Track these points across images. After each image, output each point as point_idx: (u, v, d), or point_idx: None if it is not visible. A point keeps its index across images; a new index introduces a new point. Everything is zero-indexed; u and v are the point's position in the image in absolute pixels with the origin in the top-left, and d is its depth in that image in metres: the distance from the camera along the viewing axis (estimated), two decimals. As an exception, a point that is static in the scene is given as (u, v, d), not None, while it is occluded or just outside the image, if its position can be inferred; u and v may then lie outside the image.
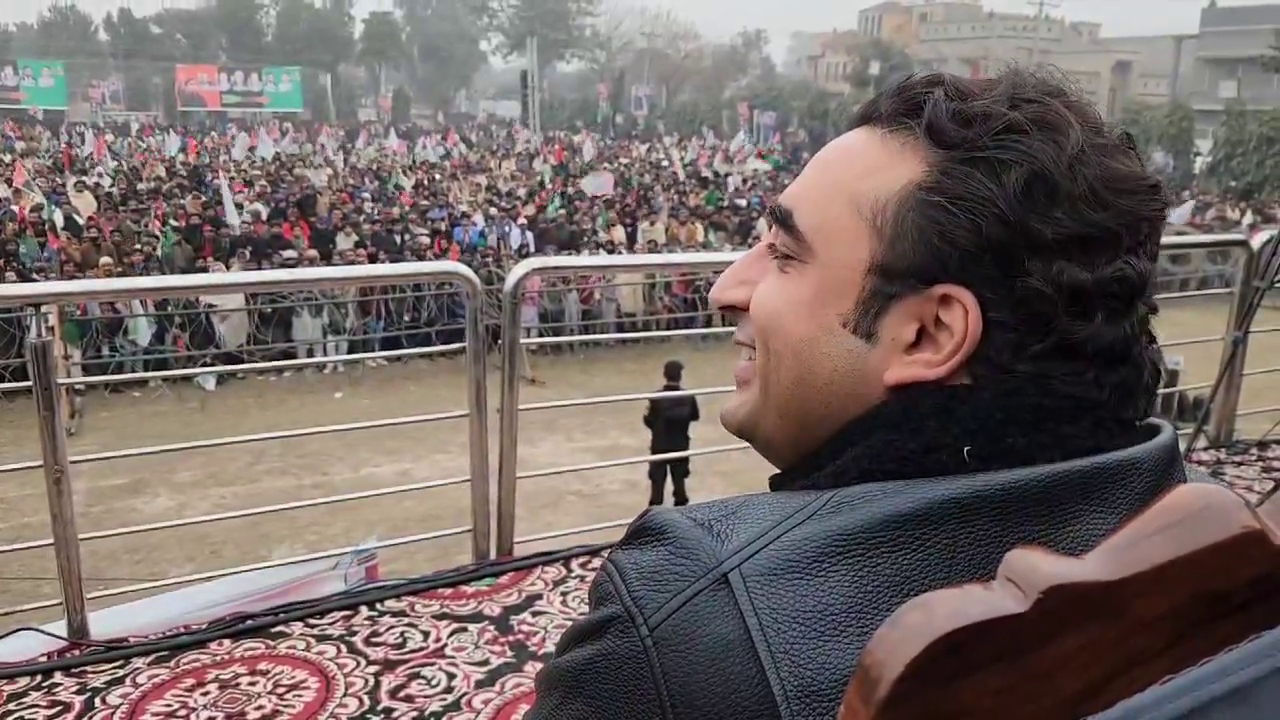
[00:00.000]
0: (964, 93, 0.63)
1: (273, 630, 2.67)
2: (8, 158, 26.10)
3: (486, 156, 31.08)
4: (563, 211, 18.64)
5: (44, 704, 2.32)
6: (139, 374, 11.62)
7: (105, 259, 13.11)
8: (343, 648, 2.59)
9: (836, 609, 0.53)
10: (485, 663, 2.53)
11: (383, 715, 2.30)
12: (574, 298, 14.33)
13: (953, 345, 0.61)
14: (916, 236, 0.61)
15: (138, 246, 14.19)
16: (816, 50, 68.52)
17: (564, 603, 2.85)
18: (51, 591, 2.75)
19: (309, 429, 7.48)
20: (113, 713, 2.29)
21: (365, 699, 2.36)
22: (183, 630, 2.67)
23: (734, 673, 0.53)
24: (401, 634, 2.66)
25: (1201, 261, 15.83)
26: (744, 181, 25.52)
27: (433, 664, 2.52)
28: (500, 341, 3.08)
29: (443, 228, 16.78)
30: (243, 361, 12.02)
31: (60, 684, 2.41)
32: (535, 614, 2.78)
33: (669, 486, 8.00)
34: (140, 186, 20.66)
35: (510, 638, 2.65)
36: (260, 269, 12.50)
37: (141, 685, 2.41)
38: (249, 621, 2.69)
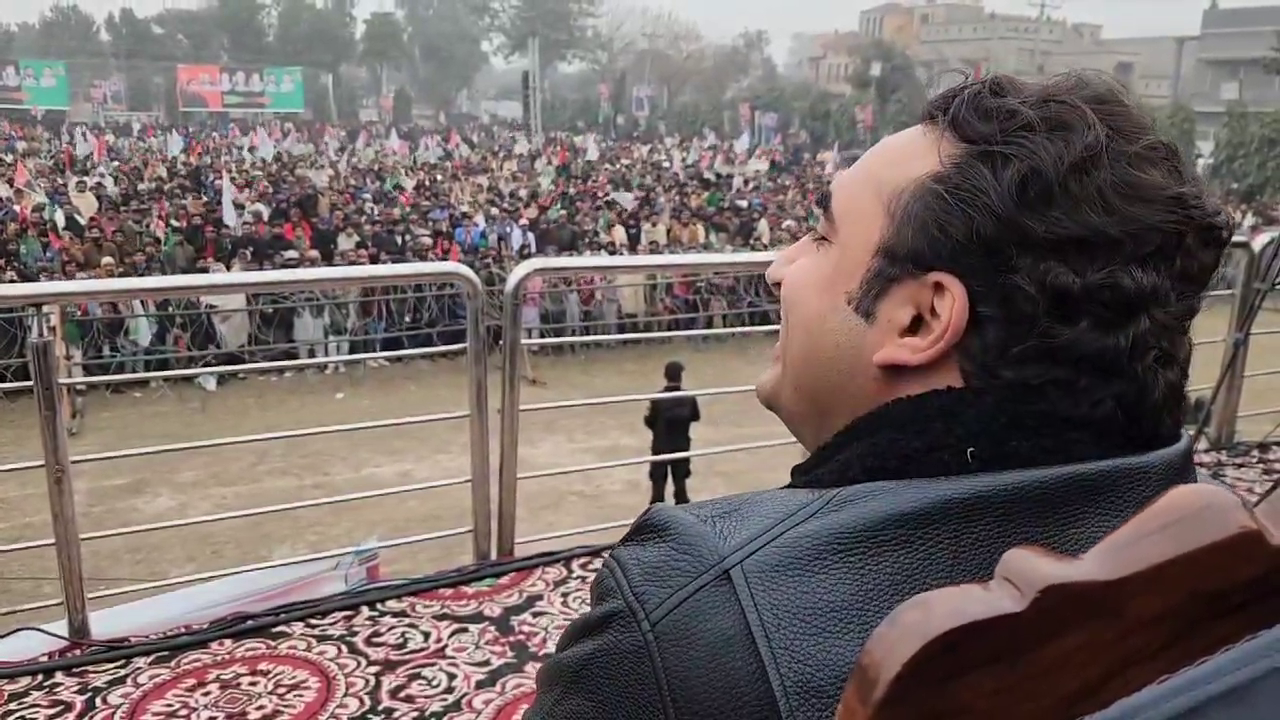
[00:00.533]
0: (1000, 91, 0.64)
1: (274, 630, 2.67)
2: (9, 158, 26.12)
3: (488, 157, 31.08)
4: (564, 212, 18.65)
5: (45, 703, 2.33)
6: (140, 374, 11.63)
7: (107, 259, 13.12)
8: (343, 648, 2.59)
9: (837, 606, 0.54)
10: (486, 663, 2.53)
11: (383, 715, 2.30)
12: (575, 298, 14.33)
13: (937, 333, 0.62)
14: (918, 223, 0.63)
15: (139, 247, 14.20)
16: (818, 51, 68.54)
17: (565, 603, 2.85)
18: (52, 591, 2.75)
19: (310, 429, 7.48)
20: (114, 712, 2.30)
21: (366, 699, 2.36)
22: (184, 630, 2.68)
23: (734, 668, 0.53)
24: (402, 634, 2.66)
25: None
26: (745, 183, 25.52)
27: (433, 664, 2.52)
28: (501, 342, 3.08)
29: (444, 228, 16.78)
30: (244, 362, 12.04)
31: (61, 683, 2.41)
32: (536, 614, 2.78)
33: (670, 487, 8.00)
34: (141, 187, 20.68)
35: (511, 638, 2.65)
36: (261, 269, 12.51)
37: (142, 685, 2.41)
38: (250, 621, 2.70)
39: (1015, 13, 60.57)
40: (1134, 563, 0.40)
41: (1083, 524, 0.57)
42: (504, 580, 2.98)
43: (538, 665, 2.49)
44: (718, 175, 26.78)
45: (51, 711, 2.30)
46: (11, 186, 19.07)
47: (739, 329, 13.73)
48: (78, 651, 2.58)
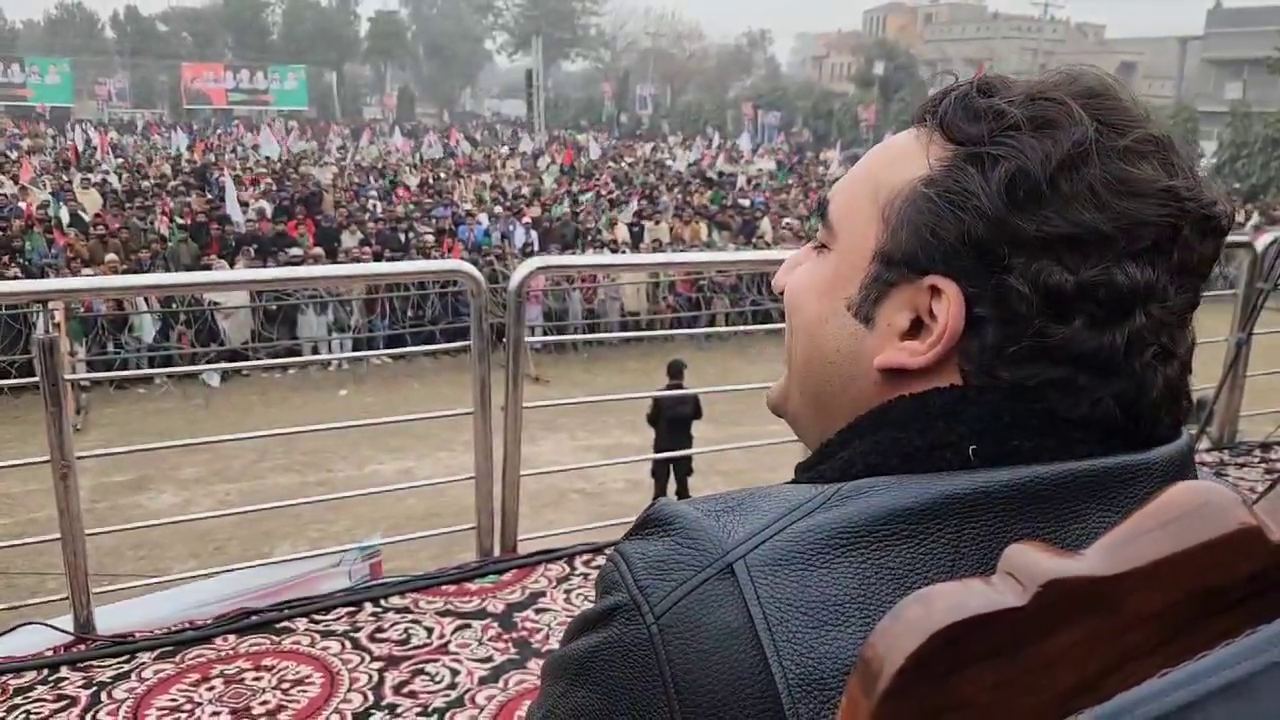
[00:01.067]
0: (988, 91, 0.64)
1: (277, 626, 2.68)
2: (13, 155, 26.15)
3: (491, 155, 31.09)
4: (568, 211, 18.65)
5: (50, 698, 2.34)
6: (144, 370, 11.64)
7: (110, 256, 13.13)
8: (347, 644, 2.60)
9: (840, 600, 0.54)
10: (489, 659, 2.54)
11: (386, 711, 2.31)
12: (578, 296, 14.33)
13: (935, 336, 0.62)
14: (912, 227, 0.63)
15: (144, 244, 14.22)
16: (821, 50, 68.49)
17: (567, 600, 2.86)
18: (57, 586, 2.76)
19: (313, 426, 7.50)
20: (118, 707, 2.30)
21: (369, 695, 2.37)
22: (188, 625, 2.68)
23: (737, 661, 0.54)
24: (405, 630, 2.67)
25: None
26: (748, 181, 25.50)
27: (436, 660, 2.53)
28: (504, 340, 3.08)
29: (447, 226, 16.78)
30: (247, 359, 12.06)
31: (66, 678, 2.42)
32: (539, 611, 2.79)
33: (672, 485, 8.00)
34: (145, 184, 20.70)
35: (514, 634, 2.66)
36: (265, 266, 12.53)
37: (147, 680, 2.42)
38: (254, 617, 2.70)
39: (1018, 12, 60.49)
40: (1134, 558, 0.40)
41: (1084, 520, 0.58)
42: (507, 577, 2.98)
43: (540, 661, 2.49)
44: (720, 174, 26.76)
45: (57, 706, 2.30)
46: (16, 184, 19.09)
47: (741, 328, 13.73)
48: (83, 646, 2.58)
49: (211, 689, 2.39)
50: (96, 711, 2.29)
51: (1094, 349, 0.59)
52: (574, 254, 14.87)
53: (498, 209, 18.30)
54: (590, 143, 34.64)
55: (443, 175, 24.11)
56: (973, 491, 0.57)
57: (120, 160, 25.95)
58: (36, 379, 2.53)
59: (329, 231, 15.96)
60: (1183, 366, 0.63)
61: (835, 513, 0.57)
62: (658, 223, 17.98)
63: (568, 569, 3.04)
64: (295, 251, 14.12)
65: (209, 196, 18.51)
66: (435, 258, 14.07)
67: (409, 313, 13.54)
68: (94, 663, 2.48)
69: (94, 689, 2.37)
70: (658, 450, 7.73)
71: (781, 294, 0.75)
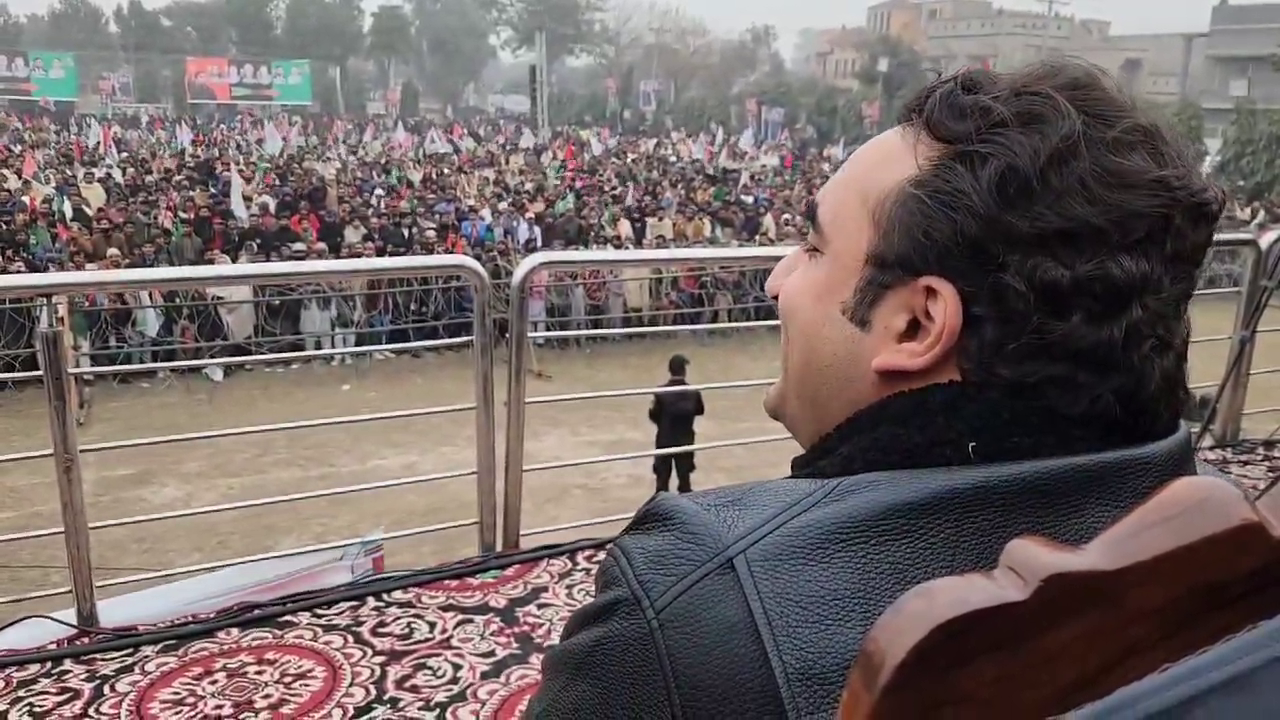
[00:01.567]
0: (973, 87, 0.64)
1: (280, 620, 2.68)
2: (17, 149, 26.18)
3: (495, 151, 31.08)
4: (571, 207, 18.65)
5: (54, 690, 2.34)
6: (147, 365, 11.67)
7: (113, 250, 13.15)
8: (349, 638, 2.61)
9: (839, 594, 0.54)
10: (491, 654, 2.54)
11: (389, 705, 2.32)
12: (580, 292, 14.34)
13: (933, 337, 0.62)
14: (903, 229, 0.63)
15: (148, 238, 14.24)
16: (825, 47, 68.44)
17: (569, 595, 2.86)
18: (61, 580, 2.77)
19: (316, 421, 7.50)
20: (121, 700, 2.31)
21: (372, 689, 2.38)
22: (191, 619, 2.69)
23: (738, 655, 0.54)
24: (408, 625, 2.67)
25: (1209, 260, 15.73)
26: (751, 178, 25.49)
27: (439, 655, 2.53)
28: (507, 335, 3.08)
29: (451, 222, 16.80)
30: (250, 353, 12.07)
31: (70, 671, 2.43)
32: (541, 606, 2.79)
33: (674, 481, 8.01)
34: (149, 178, 20.72)
35: (516, 629, 2.66)
36: (269, 261, 12.54)
37: (150, 673, 2.42)
38: (256, 611, 2.71)
39: (1023, 8, 60.41)
40: (1136, 553, 0.40)
41: (1083, 515, 0.58)
42: (509, 572, 2.99)
43: (542, 656, 2.50)
44: (724, 170, 26.75)
45: (60, 699, 2.31)
46: (20, 178, 19.13)
47: (744, 324, 13.73)
48: (86, 640, 2.59)
49: (214, 682, 2.39)
50: (99, 704, 2.29)
51: (1093, 344, 0.59)
52: (577, 250, 14.87)
53: (501, 205, 18.31)
54: (592, 139, 34.63)
55: (446, 171, 24.12)
56: (972, 486, 0.57)
57: (124, 155, 25.97)
58: (40, 373, 2.54)
59: (332, 227, 15.98)
60: (1179, 357, 0.63)
61: (835, 508, 0.57)
62: (661, 219, 17.98)
63: (570, 564, 3.04)
64: (298, 246, 14.14)
65: (212, 191, 18.53)
66: (438, 253, 14.07)
67: (412, 308, 13.55)
68: (97, 656, 2.49)
69: (97, 682, 2.38)
70: (660, 446, 7.74)
71: (776, 298, 0.74)
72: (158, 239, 14.40)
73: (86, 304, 11.44)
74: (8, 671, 2.40)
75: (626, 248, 15.52)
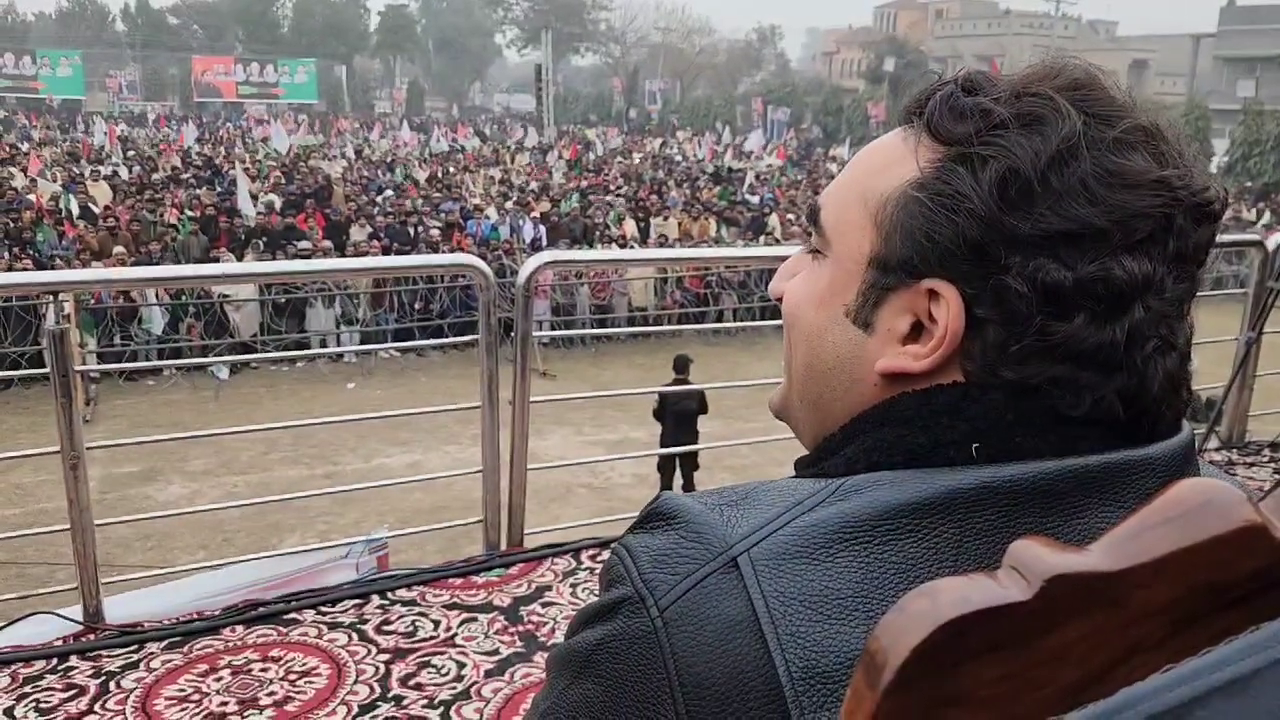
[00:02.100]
0: (973, 89, 0.64)
1: (285, 617, 2.69)
2: (24, 146, 26.25)
3: (500, 150, 31.10)
4: (577, 206, 18.66)
5: (60, 687, 2.35)
6: (153, 363, 11.69)
7: (119, 248, 13.18)
8: (354, 636, 2.61)
9: (843, 594, 0.55)
10: (495, 652, 2.55)
11: (393, 703, 2.32)
12: (586, 291, 14.35)
13: (936, 339, 0.62)
14: (905, 232, 0.63)
15: (154, 236, 14.27)
16: (831, 46, 68.30)
17: (573, 594, 2.87)
18: (67, 576, 2.78)
19: (321, 419, 7.52)
20: (127, 696, 2.32)
21: (376, 686, 2.38)
22: (196, 616, 2.70)
23: (741, 654, 0.54)
24: (412, 623, 2.68)
25: (1216, 261, 15.69)
26: (757, 178, 25.48)
27: (443, 653, 2.54)
28: (512, 334, 3.09)
29: (456, 220, 16.81)
30: (256, 351, 12.08)
31: (76, 667, 2.44)
32: (545, 605, 2.79)
33: (677, 480, 8.01)
34: (156, 176, 20.76)
35: (520, 628, 2.67)
36: (274, 260, 12.57)
37: (155, 670, 2.43)
38: (261, 609, 2.72)
39: (1030, 8, 60.27)
40: (1139, 554, 0.40)
41: (1087, 515, 0.58)
42: (513, 571, 2.99)
43: (546, 655, 2.50)
44: (729, 169, 26.73)
45: (66, 695, 2.32)
46: (26, 175, 19.18)
47: (749, 323, 13.72)
48: (92, 636, 2.60)
49: (219, 679, 2.40)
50: (105, 700, 2.30)
51: (1096, 345, 0.59)
52: (582, 249, 14.88)
53: (507, 204, 18.32)
54: (595, 139, 34.63)
55: (452, 170, 24.13)
56: (976, 487, 0.57)
57: (131, 153, 26.02)
58: (47, 370, 2.55)
59: (338, 225, 16.00)
60: (1182, 357, 0.63)
61: (839, 507, 0.57)
62: (666, 218, 17.98)
63: (574, 563, 3.05)
64: (304, 245, 14.16)
65: (219, 189, 18.57)
66: (444, 252, 14.08)
67: (417, 307, 13.57)
68: (103, 652, 2.50)
69: (103, 678, 2.39)
70: (663, 445, 7.74)
71: (780, 300, 0.75)
72: (164, 237, 14.42)
73: (93, 301, 11.46)
74: (14, 668, 2.42)
75: (632, 247, 15.52)
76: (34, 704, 2.28)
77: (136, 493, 8.35)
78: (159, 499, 8.33)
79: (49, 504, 6.72)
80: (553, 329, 13.39)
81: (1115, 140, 0.60)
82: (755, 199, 21.43)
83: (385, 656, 2.51)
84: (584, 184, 21.88)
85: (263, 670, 2.44)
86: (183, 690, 2.35)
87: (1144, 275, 0.59)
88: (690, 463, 7.94)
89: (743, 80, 61.27)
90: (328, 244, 14.61)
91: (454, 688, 2.39)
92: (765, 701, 0.53)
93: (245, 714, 2.27)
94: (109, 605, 2.71)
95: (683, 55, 63.40)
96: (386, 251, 14.10)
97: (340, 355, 12.96)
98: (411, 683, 2.40)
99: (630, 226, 17.25)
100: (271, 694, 2.35)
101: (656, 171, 25.47)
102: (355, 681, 2.40)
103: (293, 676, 2.42)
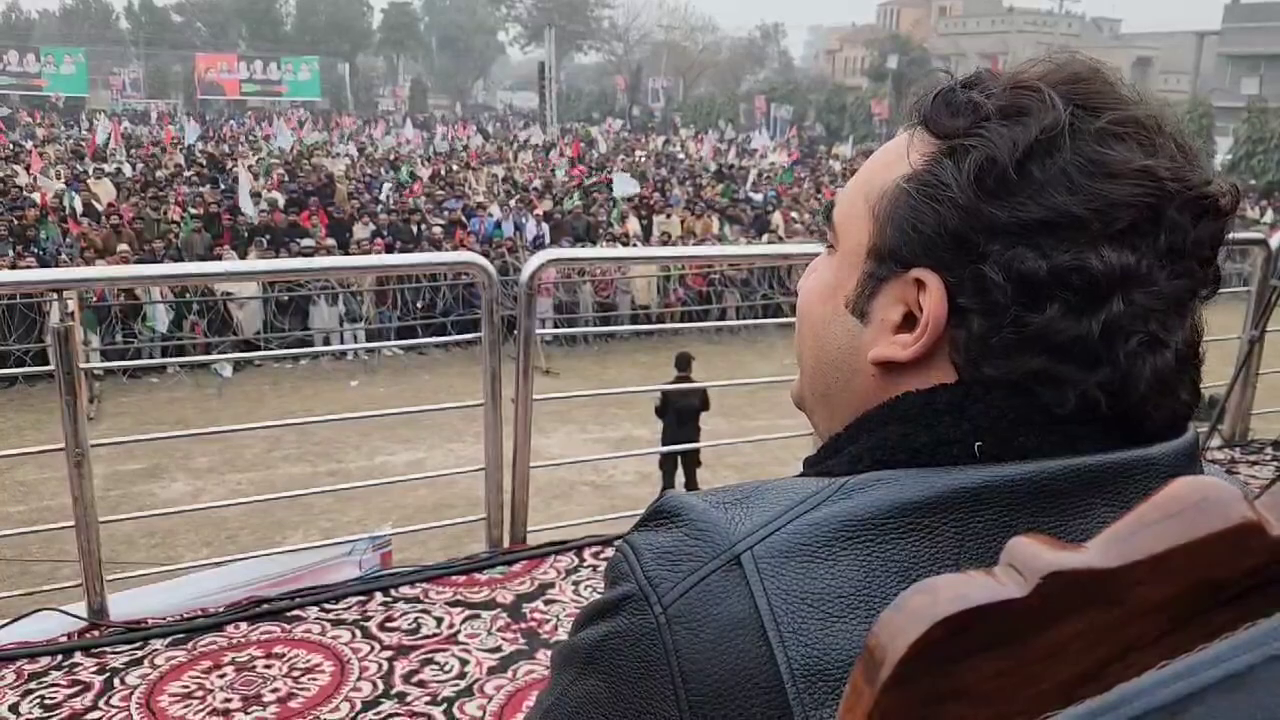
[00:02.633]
0: (971, 85, 0.65)
1: (288, 614, 2.70)
2: (28, 144, 26.27)
3: (503, 148, 31.08)
4: (579, 204, 18.65)
5: (64, 683, 2.36)
6: (157, 360, 11.71)
7: (123, 246, 13.19)
8: (357, 632, 2.62)
9: (845, 592, 0.55)
10: (498, 649, 2.55)
11: (396, 699, 2.33)
12: (589, 289, 14.35)
13: (920, 327, 0.63)
14: (895, 222, 0.65)
15: (158, 233, 14.29)
16: (834, 44, 68.20)
17: (576, 591, 2.87)
18: (71, 573, 2.79)
19: (324, 417, 7.54)
20: (131, 693, 2.33)
21: (379, 683, 2.39)
22: (200, 613, 2.71)
23: (743, 651, 0.54)
24: (415, 620, 2.69)
25: (1219, 259, 15.68)
26: (759, 175, 25.45)
27: (446, 650, 2.54)
28: (515, 332, 3.09)
29: (459, 218, 16.80)
30: (260, 349, 12.10)
31: (80, 664, 2.44)
32: (547, 602, 2.80)
33: (680, 477, 8.02)
34: (159, 174, 20.78)
35: (522, 625, 2.67)
36: (278, 257, 12.58)
37: (159, 666, 2.44)
38: (265, 606, 2.73)
39: (1033, 6, 60.15)
40: (1136, 551, 0.41)
41: (1088, 515, 0.58)
42: (516, 568, 3.00)
43: (549, 652, 2.51)
44: (730, 166, 26.71)
45: (70, 691, 2.33)
46: (30, 174, 19.20)
47: (752, 321, 13.71)
48: (96, 633, 2.61)
49: (223, 676, 2.41)
50: (109, 697, 2.31)
51: (1072, 337, 0.59)
52: (585, 247, 14.88)
53: (511, 202, 18.32)
54: (598, 136, 34.61)
55: (455, 167, 24.13)
56: (978, 486, 0.58)
57: (135, 150, 26.03)
58: (51, 367, 2.56)
59: (341, 223, 16.00)
60: (1181, 357, 0.61)
61: (841, 506, 0.58)
62: (669, 216, 17.97)
63: (576, 560, 3.05)
64: (307, 243, 14.17)
65: (222, 187, 18.57)
66: (447, 250, 14.09)
67: (420, 304, 13.58)
68: (107, 649, 2.51)
69: (107, 675, 2.40)
70: (665, 442, 7.75)
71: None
72: (168, 234, 14.44)
73: (94, 299, 11.47)
74: (19, 664, 2.42)
75: (634, 245, 15.52)
76: (39, 700, 2.29)
77: (140, 490, 8.37)
78: (163, 496, 8.34)
79: (53, 501, 6.73)
80: (555, 327, 13.39)
81: (1100, 130, 0.60)
82: (758, 196, 21.41)
83: (388, 653, 2.52)
84: (586, 180, 21.83)
85: (266, 667, 2.45)
86: (186, 687, 2.36)
87: (1123, 267, 0.59)
88: (692, 460, 7.95)
89: (746, 78, 61.20)
90: (331, 242, 14.62)
91: (457, 685, 2.39)
92: (767, 698, 0.54)
93: (249, 710, 2.28)
94: (113, 602, 2.72)
95: (686, 53, 63.32)
96: (390, 249, 14.10)
97: (344, 353, 12.97)
98: (414, 680, 2.41)
99: (633, 224, 17.24)
100: (275, 690, 2.35)
101: (659, 169, 25.45)
102: (358, 678, 2.41)
103: (296, 673, 2.43)
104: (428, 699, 2.33)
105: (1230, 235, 0.64)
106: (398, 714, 2.28)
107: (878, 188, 0.67)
